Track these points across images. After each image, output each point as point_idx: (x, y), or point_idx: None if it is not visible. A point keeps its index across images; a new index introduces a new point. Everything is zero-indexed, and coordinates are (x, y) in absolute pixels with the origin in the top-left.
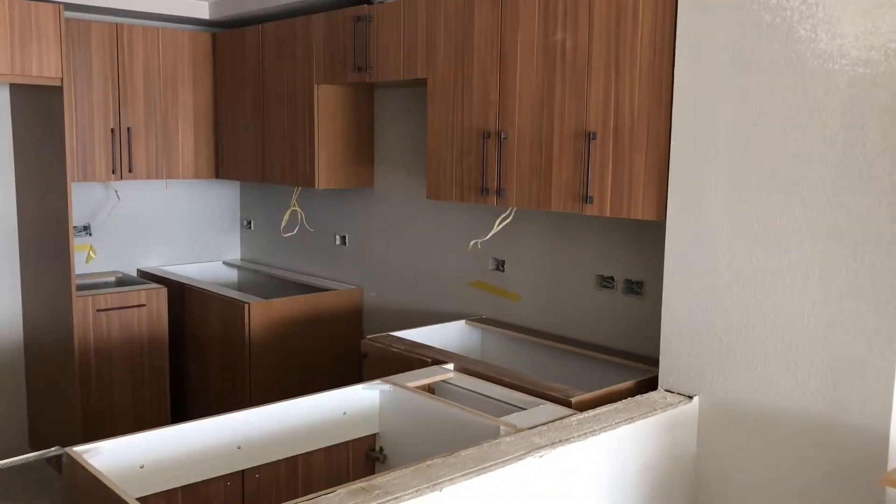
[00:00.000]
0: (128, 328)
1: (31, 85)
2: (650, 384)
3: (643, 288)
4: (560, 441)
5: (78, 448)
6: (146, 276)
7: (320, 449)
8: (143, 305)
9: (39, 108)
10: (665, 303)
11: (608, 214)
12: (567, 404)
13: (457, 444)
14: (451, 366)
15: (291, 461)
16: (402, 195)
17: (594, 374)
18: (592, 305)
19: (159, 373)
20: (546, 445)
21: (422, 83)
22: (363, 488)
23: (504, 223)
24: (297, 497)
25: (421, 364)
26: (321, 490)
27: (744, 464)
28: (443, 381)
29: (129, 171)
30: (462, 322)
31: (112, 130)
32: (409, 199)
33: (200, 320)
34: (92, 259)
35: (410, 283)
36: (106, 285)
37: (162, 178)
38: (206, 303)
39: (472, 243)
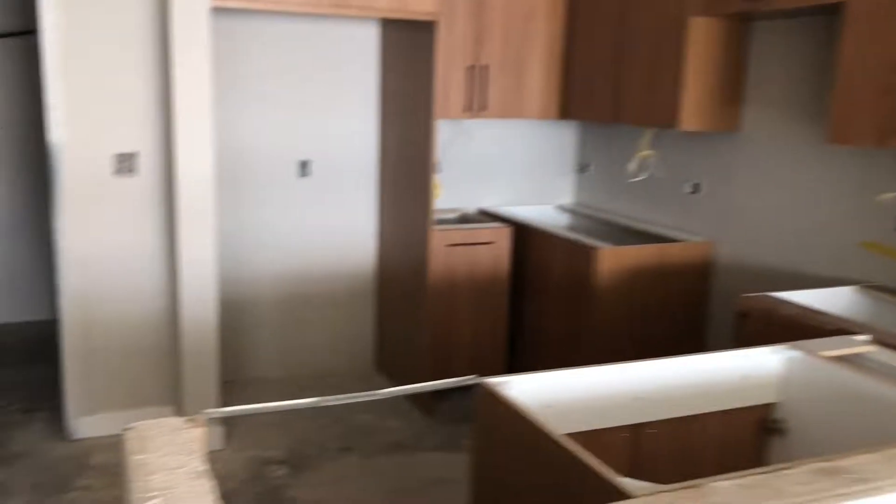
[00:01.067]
0: (474, 264)
1: (404, 20)
2: None
3: None
4: None
5: (491, 380)
6: (486, 216)
7: (716, 412)
8: (491, 243)
9: (410, 44)
10: None
11: None
12: None
13: (884, 429)
14: (864, 337)
15: (685, 420)
16: (776, 140)
17: None
18: None
19: (498, 309)
20: None
21: (818, 11)
22: (824, 469)
23: None
24: (689, 458)
25: (820, 332)
26: (712, 455)
27: None
28: (860, 353)
29: (483, 108)
30: (853, 288)
31: (471, 67)
32: (784, 144)
33: (542, 262)
34: (437, 195)
35: (775, 239)
36: (451, 221)
37: (512, 116)
38: (551, 245)
39: (884, 196)
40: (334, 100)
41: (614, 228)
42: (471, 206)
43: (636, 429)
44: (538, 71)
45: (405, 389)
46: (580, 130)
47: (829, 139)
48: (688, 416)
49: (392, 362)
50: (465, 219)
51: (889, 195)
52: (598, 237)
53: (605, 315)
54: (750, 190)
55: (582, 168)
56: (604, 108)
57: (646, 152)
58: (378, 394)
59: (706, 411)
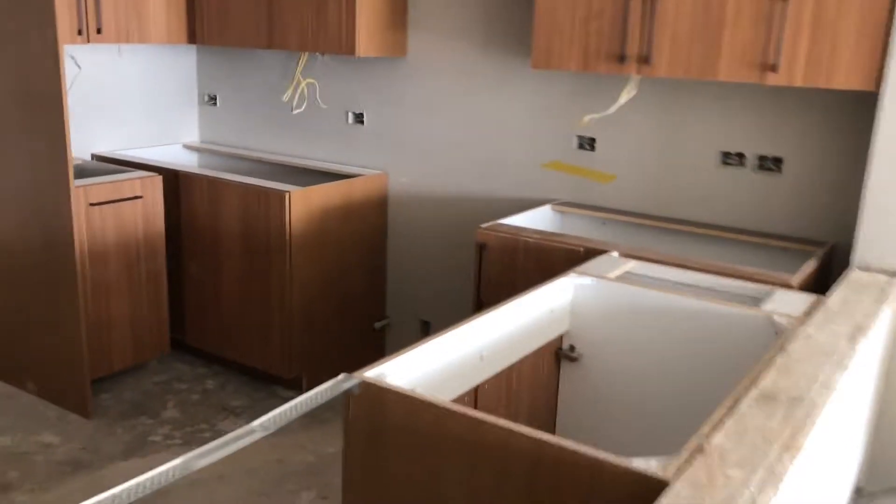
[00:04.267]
0: (122, 226)
1: None
2: (826, 267)
3: (782, 165)
4: None
5: (369, 374)
6: (110, 163)
7: (529, 354)
8: (139, 197)
9: None
10: (873, 176)
11: (799, 83)
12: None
13: (695, 341)
14: (615, 254)
15: (508, 370)
16: (445, 66)
17: (749, 258)
18: (715, 184)
19: (157, 277)
20: None
21: None
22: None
23: (630, 96)
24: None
25: (572, 255)
26: (526, 398)
27: None
28: (627, 272)
29: (98, 32)
30: (547, 207)
31: None
32: (454, 70)
33: (207, 214)
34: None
35: (450, 166)
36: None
37: (134, 41)
38: (218, 193)
39: (587, 118)
40: None
41: (263, 167)
42: (81, 153)
43: (475, 389)
44: None
45: (266, 422)
46: (199, 56)
47: (533, 63)
48: (511, 366)
49: (17, 361)
50: (83, 171)
51: (590, 116)
52: (260, 178)
53: (302, 264)
54: (420, 118)
55: (209, 99)
56: (251, 31)
57: (301, 81)
58: None
59: (523, 356)
